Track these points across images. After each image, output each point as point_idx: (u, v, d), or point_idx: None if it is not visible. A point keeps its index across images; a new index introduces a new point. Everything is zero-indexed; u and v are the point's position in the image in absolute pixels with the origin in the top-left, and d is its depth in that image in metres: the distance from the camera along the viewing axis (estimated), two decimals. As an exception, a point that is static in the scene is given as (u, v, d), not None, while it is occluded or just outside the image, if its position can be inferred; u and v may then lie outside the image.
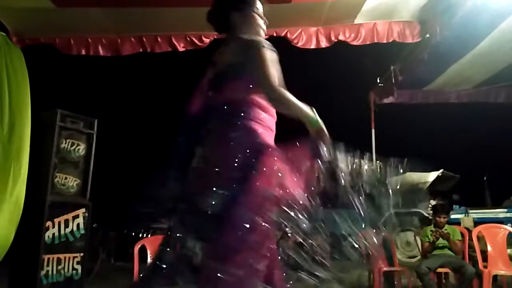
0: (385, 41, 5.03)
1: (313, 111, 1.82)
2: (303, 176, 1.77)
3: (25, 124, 4.37)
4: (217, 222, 1.59)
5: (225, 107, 1.84)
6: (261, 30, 2.05)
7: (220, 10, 2.03)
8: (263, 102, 1.85)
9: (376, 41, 5.02)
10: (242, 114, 1.80)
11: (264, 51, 1.81)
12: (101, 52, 5.00)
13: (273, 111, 1.90)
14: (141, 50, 4.99)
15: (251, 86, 1.82)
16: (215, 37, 4.98)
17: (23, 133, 4.31)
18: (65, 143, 4.70)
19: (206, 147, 1.87)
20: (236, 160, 1.69)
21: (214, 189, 1.64)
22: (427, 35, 4.93)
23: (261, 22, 2.04)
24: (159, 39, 4.98)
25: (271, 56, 1.84)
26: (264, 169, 1.66)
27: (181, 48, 4.98)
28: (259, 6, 2.05)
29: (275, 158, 1.71)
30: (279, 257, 1.75)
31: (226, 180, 1.67)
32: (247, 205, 1.60)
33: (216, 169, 1.72)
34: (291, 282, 1.75)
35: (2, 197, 3.99)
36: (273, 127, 1.90)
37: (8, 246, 4.05)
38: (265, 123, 1.84)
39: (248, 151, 1.71)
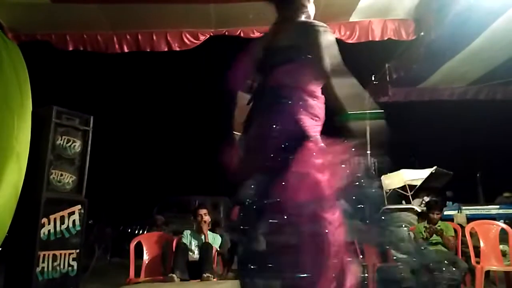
0: (380, 39, 5.06)
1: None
2: (340, 172, 1.71)
3: (27, 117, 4.36)
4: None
5: (273, 92, 1.82)
6: (313, 14, 2.09)
7: None
8: (314, 88, 1.84)
9: (371, 39, 5.05)
10: (289, 101, 1.78)
11: (325, 35, 1.83)
12: (96, 48, 5.00)
13: (323, 98, 1.87)
14: (136, 47, 5.00)
15: (304, 71, 1.81)
16: (211, 34, 5.01)
17: (25, 126, 4.30)
18: (61, 140, 4.69)
19: (251, 132, 1.86)
20: (277, 148, 1.67)
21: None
22: (422, 33, 4.96)
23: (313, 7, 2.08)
24: (154, 36, 4.99)
25: (330, 41, 1.85)
26: (300, 159, 1.64)
27: (176, 47, 4.99)
28: None
29: (313, 151, 1.68)
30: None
31: (266, 167, 1.66)
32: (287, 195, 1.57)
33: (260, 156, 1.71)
34: None
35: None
36: (322, 114, 1.86)
37: (5, 232, 4.03)
38: (313, 111, 1.81)
39: (289, 139, 1.69)
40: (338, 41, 4.97)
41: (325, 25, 1.87)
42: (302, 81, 1.82)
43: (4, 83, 4.16)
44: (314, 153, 1.67)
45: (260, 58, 1.93)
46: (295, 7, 2.00)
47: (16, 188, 4.14)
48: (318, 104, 1.84)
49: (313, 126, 1.78)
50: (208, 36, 5.01)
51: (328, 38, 1.84)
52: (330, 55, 1.81)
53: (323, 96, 1.87)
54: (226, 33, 4.99)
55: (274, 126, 1.72)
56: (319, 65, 1.78)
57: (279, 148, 1.67)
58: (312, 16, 2.07)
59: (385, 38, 5.06)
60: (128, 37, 4.99)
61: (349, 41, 5.04)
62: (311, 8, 2.06)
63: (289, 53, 1.84)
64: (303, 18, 1.97)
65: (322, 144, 1.75)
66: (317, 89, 1.85)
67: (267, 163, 1.67)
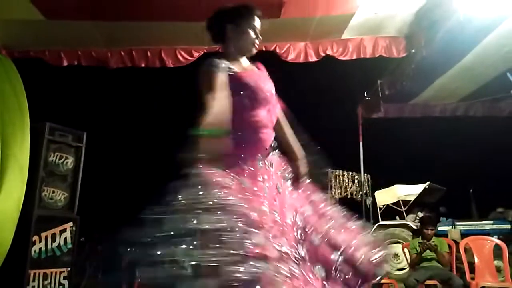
0: (371, 56, 5.13)
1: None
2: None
3: (26, 131, 4.34)
4: None
5: None
6: (253, 47, 2.08)
7: (217, 21, 2.08)
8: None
9: (362, 56, 5.12)
10: None
11: (214, 73, 1.86)
12: (91, 65, 5.01)
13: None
14: (131, 63, 5.01)
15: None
16: (205, 51, 5.04)
17: (25, 139, 4.28)
18: (53, 156, 4.66)
19: None
20: None
21: None
22: (413, 50, 5.03)
23: (253, 39, 2.07)
24: (148, 53, 5.02)
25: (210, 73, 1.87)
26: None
27: (170, 63, 5.02)
28: (256, 23, 2.07)
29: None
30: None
31: None
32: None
33: None
34: None
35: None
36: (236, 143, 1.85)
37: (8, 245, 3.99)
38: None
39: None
40: (331, 58, 5.09)
41: (216, 61, 1.91)
42: None
43: (3, 97, 4.16)
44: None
45: None
46: (224, 38, 2.08)
47: (19, 201, 4.10)
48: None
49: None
50: (202, 53, 5.05)
51: (206, 69, 1.89)
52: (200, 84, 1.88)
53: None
54: (220, 50, 5.02)
55: None
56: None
57: None
58: (252, 49, 2.09)
59: (377, 55, 5.13)
60: (122, 53, 5.01)
61: (342, 58, 5.11)
62: (249, 41, 2.06)
63: None
64: (230, 47, 2.05)
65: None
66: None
67: None
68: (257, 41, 2.09)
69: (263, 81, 2.01)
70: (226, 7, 2.08)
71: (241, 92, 1.90)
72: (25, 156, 4.23)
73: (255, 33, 2.07)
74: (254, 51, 2.10)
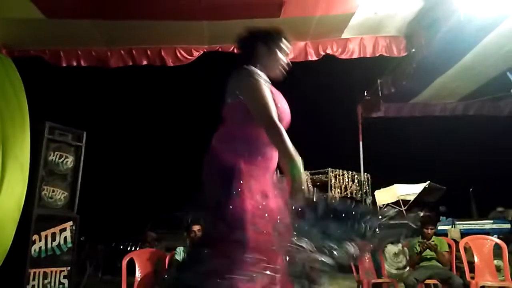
0: (371, 55, 5.12)
1: (300, 162, 1.83)
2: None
3: (26, 129, 4.34)
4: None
5: (217, 137, 1.99)
6: (281, 70, 2.17)
7: (249, 41, 2.16)
8: (244, 128, 1.94)
9: (363, 55, 5.11)
10: (221, 140, 1.95)
11: (258, 81, 1.92)
12: (90, 64, 5.00)
13: (260, 142, 1.94)
14: (130, 63, 5.01)
15: (233, 111, 1.97)
16: (205, 50, 5.04)
17: (25, 138, 4.28)
18: (53, 156, 4.67)
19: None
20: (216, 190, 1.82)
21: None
22: (413, 50, 5.02)
23: (282, 60, 2.15)
24: (148, 52, 5.01)
25: (265, 88, 1.93)
26: (239, 191, 1.76)
27: (170, 63, 5.01)
28: (285, 45, 2.17)
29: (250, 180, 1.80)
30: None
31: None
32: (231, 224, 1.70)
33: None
34: None
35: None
36: (254, 150, 1.94)
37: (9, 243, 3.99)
38: (242, 148, 1.91)
39: (223, 178, 1.81)
40: (331, 57, 5.09)
41: (252, 69, 1.97)
42: (233, 121, 1.99)
43: (4, 96, 4.16)
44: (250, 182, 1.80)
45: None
46: (253, 56, 2.11)
47: (20, 199, 4.11)
48: (248, 144, 1.93)
49: (242, 161, 1.86)
50: (202, 52, 5.04)
51: (249, 82, 1.93)
52: (250, 98, 1.91)
53: (257, 134, 1.92)
54: (220, 49, 5.02)
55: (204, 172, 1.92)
56: (260, 111, 1.89)
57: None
58: (279, 69, 2.16)
59: (377, 55, 5.12)
60: (122, 52, 5.00)
61: (342, 57, 5.10)
62: (276, 61, 2.14)
63: (227, 93, 2.00)
64: (257, 66, 2.06)
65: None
66: (247, 128, 1.94)
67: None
68: (285, 65, 2.18)
69: (286, 103, 2.08)
70: (258, 28, 2.17)
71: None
72: (26, 155, 4.24)
73: (284, 55, 2.17)
74: (280, 72, 2.18)
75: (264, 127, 1.85)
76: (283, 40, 2.16)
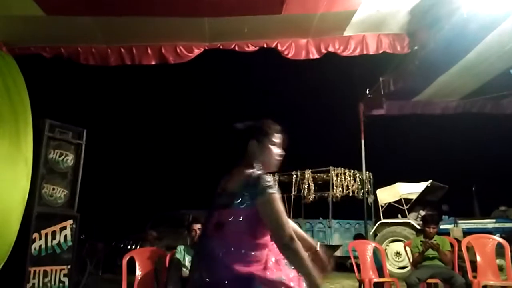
0: (374, 53, 5.08)
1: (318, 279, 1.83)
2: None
3: (29, 124, 4.32)
4: None
5: (212, 238, 1.93)
6: (275, 162, 2.12)
7: (240, 137, 2.09)
8: (254, 237, 1.89)
9: (365, 52, 5.07)
10: (223, 249, 1.87)
11: (275, 194, 1.86)
12: (90, 61, 4.98)
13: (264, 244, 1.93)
14: (131, 60, 4.98)
15: (243, 219, 1.88)
16: (206, 47, 5.01)
17: (29, 132, 4.27)
18: (53, 154, 4.65)
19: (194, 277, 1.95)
20: None
21: None
22: (416, 47, 4.99)
23: (276, 154, 2.10)
24: (149, 50, 4.98)
25: (278, 198, 1.88)
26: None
27: (170, 60, 4.98)
28: (277, 137, 2.11)
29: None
30: None
31: None
32: None
33: None
34: None
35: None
36: (261, 258, 1.90)
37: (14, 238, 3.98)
38: (250, 258, 1.87)
39: None
40: (333, 55, 5.05)
41: (266, 178, 1.90)
42: (239, 228, 1.89)
43: (7, 92, 4.15)
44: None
45: (213, 198, 2.03)
46: (246, 153, 2.04)
47: (24, 192, 4.09)
48: (256, 252, 1.89)
49: (250, 269, 1.83)
50: (203, 49, 5.01)
51: (273, 194, 1.86)
52: (268, 213, 1.85)
53: (261, 241, 1.91)
54: (221, 46, 4.99)
55: (208, 280, 1.84)
56: (277, 227, 1.84)
57: None
58: (274, 163, 2.11)
59: (380, 52, 5.08)
60: (122, 50, 4.98)
61: (343, 54, 5.06)
62: (271, 155, 2.09)
63: (231, 198, 1.91)
64: (254, 165, 1.99)
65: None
66: (257, 237, 1.90)
67: None
68: (279, 157, 2.12)
69: None
70: (247, 124, 2.11)
71: None
72: (30, 149, 4.22)
73: (277, 148, 2.11)
74: (275, 166, 2.13)
75: (280, 245, 1.83)
76: (274, 132, 2.09)
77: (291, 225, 1.95)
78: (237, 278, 1.79)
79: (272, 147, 2.08)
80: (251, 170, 1.94)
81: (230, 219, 1.89)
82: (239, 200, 1.88)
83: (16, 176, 4.02)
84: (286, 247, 1.80)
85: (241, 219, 1.87)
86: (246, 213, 1.87)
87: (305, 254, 1.83)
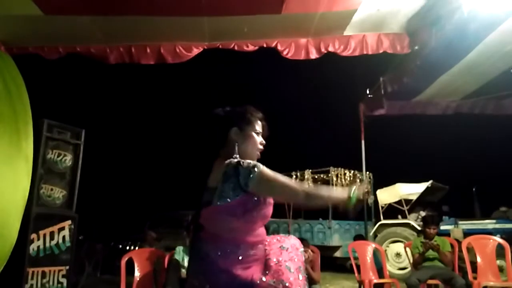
0: (374, 53, 5.06)
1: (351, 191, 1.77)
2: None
3: (29, 122, 4.30)
4: None
5: (201, 237, 1.82)
6: (256, 152, 1.99)
7: (222, 125, 1.95)
8: (243, 234, 1.80)
9: (365, 52, 5.04)
10: (214, 251, 1.76)
11: (262, 169, 1.74)
12: (89, 61, 4.97)
13: (253, 239, 1.83)
14: (129, 59, 4.96)
15: (236, 213, 1.75)
16: (205, 47, 4.98)
17: (29, 130, 4.24)
18: (52, 154, 4.63)
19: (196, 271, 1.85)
20: None
21: None
22: (416, 47, 4.96)
23: (258, 143, 1.98)
24: (148, 49, 4.96)
25: (268, 170, 1.77)
26: None
27: (169, 60, 4.96)
28: (259, 127, 1.99)
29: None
30: None
31: None
32: None
33: None
34: None
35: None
36: (250, 257, 1.82)
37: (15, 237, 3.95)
38: (255, 258, 1.81)
39: None
40: (333, 54, 5.02)
41: (248, 160, 1.78)
42: (226, 227, 1.78)
43: (6, 91, 4.13)
44: None
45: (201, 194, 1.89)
46: (227, 142, 1.92)
47: (25, 190, 4.06)
48: (254, 250, 1.81)
49: (241, 268, 1.76)
50: (202, 49, 4.99)
51: (260, 171, 1.74)
52: (267, 187, 1.76)
53: (257, 238, 1.84)
54: (220, 46, 4.97)
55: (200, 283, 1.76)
56: (285, 193, 1.80)
57: None
58: (256, 153, 1.98)
59: (380, 52, 5.06)
60: (121, 49, 4.96)
61: (344, 54, 5.03)
62: (253, 144, 1.96)
63: (213, 194, 1.78)
64: (235, 155, 1.86)
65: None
66: (250, 233, 1.82)
67: None
68: (261, 146, 2.01)
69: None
70: (228, 110, 1.99)
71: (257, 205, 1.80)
72: (30, 148, 4.20)
73: (259, 137, 2.00)
74: (257, 155, 2.00)
75: (302, 204, 1.76)
76: (257, 120, 1.98)
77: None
78: (238, 285, 1.72)
79: (254, 135, 1.96)
80: (228, 160, 1.80)
81: (216, 217, 1.77)
82: (221, 194, 1.74)
83: (16, 175, 3.99)
84: (308, 201, 1.74)
85: (227, 214, 1.75)
86: (231, 206, 1.73)
87: (325, 190, 1.77)
